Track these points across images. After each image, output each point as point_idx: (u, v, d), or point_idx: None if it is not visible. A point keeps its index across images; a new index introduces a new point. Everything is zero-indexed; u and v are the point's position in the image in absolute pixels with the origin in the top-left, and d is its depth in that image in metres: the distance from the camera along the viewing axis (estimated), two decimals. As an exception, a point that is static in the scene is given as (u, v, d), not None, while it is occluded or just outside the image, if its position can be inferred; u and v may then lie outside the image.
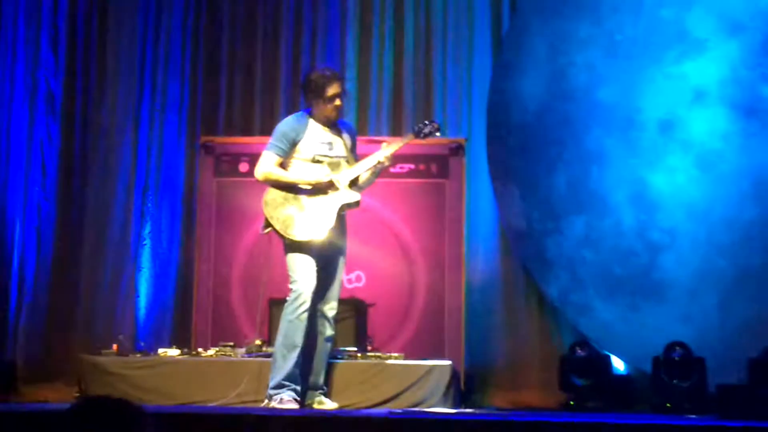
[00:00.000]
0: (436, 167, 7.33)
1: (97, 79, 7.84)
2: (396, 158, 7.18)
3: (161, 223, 7.74)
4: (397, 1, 7.83)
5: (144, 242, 7.69)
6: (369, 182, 6.05)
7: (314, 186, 5.84)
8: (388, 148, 5.94)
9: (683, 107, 7.29)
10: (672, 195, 7.24)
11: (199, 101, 7.86)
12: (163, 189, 7.77)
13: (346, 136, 6.03)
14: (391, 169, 7.28)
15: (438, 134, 6.21)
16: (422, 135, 6.12)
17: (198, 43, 7.91)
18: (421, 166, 7.34)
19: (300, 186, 5.87)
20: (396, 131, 7.50)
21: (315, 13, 7.87)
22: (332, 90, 5.89)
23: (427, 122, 6.22)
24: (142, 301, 7.61)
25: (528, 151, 7.44)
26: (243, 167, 7.22)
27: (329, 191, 5.87)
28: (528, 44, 7.53)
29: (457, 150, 7.32)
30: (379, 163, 5.91)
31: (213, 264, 7.31)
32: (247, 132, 7.68)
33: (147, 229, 7.71)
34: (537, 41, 7.51)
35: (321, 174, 5.86)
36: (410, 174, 7.34)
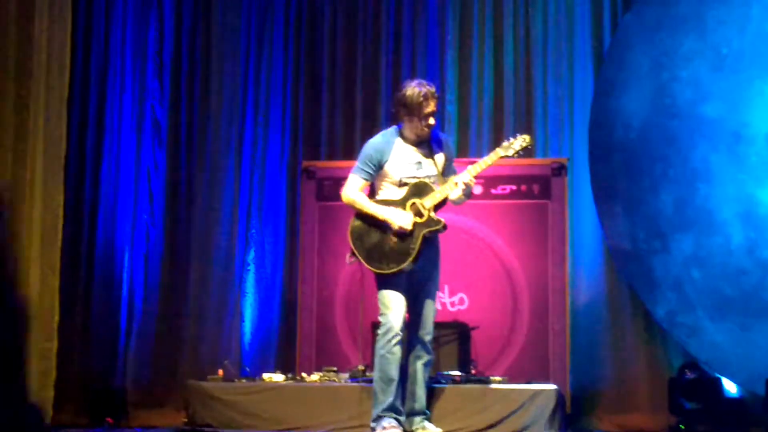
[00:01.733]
0: (539, 188, 7.25)
1: (201, 106, 7.97)
2: (497, 180, 7.21)
3: (265, 248, 7.81)
4: (496, 21, 7.78)
5: (248, 267, 7.77)
6: (460, 201, 5.95)
7: (399, 229, 5.79)
8: (469, 174, 5.83)
9: (792, 121, 7.09)
10: (783, 212, 7.04)
11: (300, 126, 7.93)
12: (266, 214, 7.85)
13: (438, 152, 5.93)
14: (493, 191, 7.26)
15: (527, 146, 5.93)
16: (511, 151, 5.94)
17: (299, 69, 7.98)
18: (523, 187, 7.28)
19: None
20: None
21: (414, 36, 7.87)
22: (429, 108, 5.80)
23: (516, 136, 6.01)
24: (247, 326, 7.70)
25: (632, 170, 7.31)
26: (344, 191, 7.23)
27: (415, 219, 5.81)
28: (630, 60, 7.40)
29: (560, 170, 7.23)
30: (465, 185, 5.82)
31: (316, 288, 7.35)
32: (349, 156, 7.69)
33: (251, 254, 7.79)
34: (639, 57, 7.38)
35: (402, 218, 5.81)
36: (512, 195, 7.28)
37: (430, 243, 5.88)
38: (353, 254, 5.90)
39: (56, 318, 6.73)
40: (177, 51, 8.02)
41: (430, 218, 5.80)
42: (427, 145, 5.92)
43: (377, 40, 7.93)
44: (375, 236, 5.83)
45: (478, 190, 7.15)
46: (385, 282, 5.82)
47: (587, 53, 7.61)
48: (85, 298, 7.66)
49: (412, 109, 5.79)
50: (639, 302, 7.30)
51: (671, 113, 7.28)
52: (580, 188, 7.43)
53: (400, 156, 5.86)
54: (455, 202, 5.94)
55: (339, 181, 7.35)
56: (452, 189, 5.80)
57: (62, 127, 6.83)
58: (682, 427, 6.70)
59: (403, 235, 5.77)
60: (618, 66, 7.43)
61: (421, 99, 5.77)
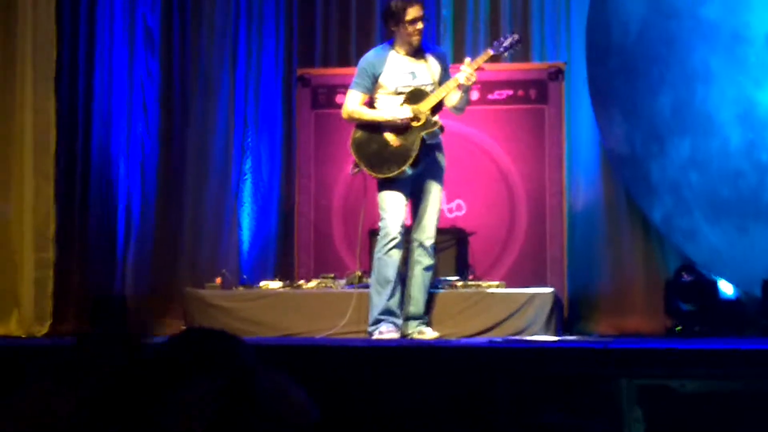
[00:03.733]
0: (535, 92, 7.18)
1: (194, 13, 7.84)
2: (494, 85, 7.15)
3: (261, 157, 7.77)
4: (492, -77, 7.64)
5: (245, 176, 7.73)
6: (464, 101, 5.95)
7: (393, 122, 5.80)
8: (468, 67, 5.83)
9: (794, 20, 7.00)
10: (782, 113, 6.98)
11: (295, 33, 7.82)
12: (262, 123, 7.79)
13: (433, 62, 5.95)
14: (489, 96, 7.20)
15: (516, 42, 6.05)
16: (502, 48, 5.98)
17: (292, -26, 7.85)
18: (520, 92, 7.21)
19: (382, 123, 5.84)
20: (493, 58, 7.34)
21: (409, -60, 7.71)
22: (412, 13, 5.84)
23: (507, 35, 6.09)
24: (245, 234, 7.68)
25: (630, 73, 7.23)
26: (340, 99, 7.12)
27: (412, 123, 5.83)
28: (628, -40, 7.29)
29: (557, 74, 7.15)
30: (460, 84, 5.82)
31: (313, 196, 7.33)
32: (344, 63, 7.62)
33: (248, 164, 7.75)
34: (637, -43, 7.27)
35: (401, 111, 5.81)
36: (509, 100, 7.22)
37: (433, 148, 5.91)
38: (356, 165, 5.94)
39: (52, 228, 6.74)
40: (167, -43, 7.89)
41: (427, 120, 5.83)
42: (422, 55, 5.98)
43: (372, -56, 7.79)
44: (375, 144, 5.88)
45: (474, 95, 7.09)
46: (384, 185, 5.87)
47: (584, -47, 7.47)
48: (81, 209, 7.62)
49: (398, 18, 5.87)
50: (636, 206, 7.28)
51: (669, 14, 7.18)
52: (577, 92, 7.36)
53: (393, 66, 5.93)
54: (457, 109, 5.96)
55: (334, 89, 7.32)
56: (449, 90, 5.81)
57: (51, 31, 6.75)
58: (679, 328, 6.73)
59: (403, 133, 5.78)
60: (616, -34, 7.31)
61: (404, 4, 5.85)
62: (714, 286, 6.90)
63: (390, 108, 5.86)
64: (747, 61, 7.04)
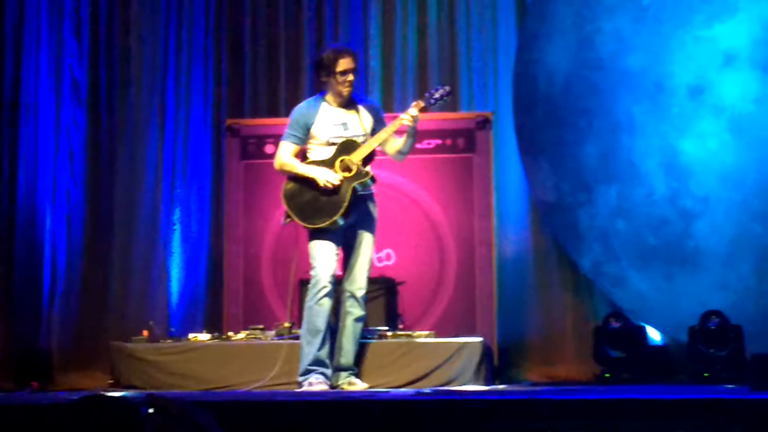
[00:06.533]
0: (463, 142, 7.24)
1: (121, 64, 7.82)
2: (422, 134, 7.15)
3: (190, 207, 7.73)
4: (419, -25, 7.73)
5: (174, 227, 7.68)
6: (408, 145, 5.95)
7: (324, 185, 5.79)
8: (412, 109, 5.85)
9: (714, 71, 7.15)
10: (704, 161, 7.11)
11: (223, 84, 7.82)
12: (191, 173, 7.75)
13: (365, 113, 5.97)
14: (418, 145, 7.22)
15: (446, 94, 6.01)
16: (432, 100, 5.99)
17: (221, 25, 7.86)
18: (448, 141, 7.26)
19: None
20: (423, 109, 7.38)
21: (337, -11, 7.80)
22: (343, 64, 5.86)
23: (437, 87, 6.10)
24: (174, 286, 7.62)
25: (556, 122, 7.33)
26: (269, 149, 7.16)
27: (343, 174, 5.84)
28: (553, 12, 7.41)
29: (484, 123, 7.22)
30: (402, 125, 5.83)
31: (243, 246, 7.30)
32: (273, 113, 7.64)
33: (176, 214, 7.70)
34: (562, 9, 7.39)
35: (330, 175, 5.80)
36: (437, 149, 7.26)
37: (365, 198, 5.91)
38: (288, 215, 5.92)
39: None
40: (94, 7, 7.84)
41: (358, 171, 5.83)
42: (354, 107, 5.98)
43: (299, -5, 7.84)
44: (307, 195, 5.87)
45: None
46: (315, 235, 5.86)
47: (510, 6, 7.58)
48: (6, 261, 7.52)
49: (329, 69, 5.87)
50: (565, 254, 7.35)
51: (594, 65, 7.30)
52: (505, 141, 7.44)
53: (325, 118, 5.92)
54: (400, 153, 5.97)
55: (263, 139, 7.32)
56: (381, 140, 5.83)
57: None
58: (608, 375, 6.78)
59: (332, 190, 5.79)
60: (541, 18, 7.43)
61: (335, 56, 5.86)
62: (642, 332, 6.96)
63: (321, 169, 5.85)
64: (670, 111, 7.18)
